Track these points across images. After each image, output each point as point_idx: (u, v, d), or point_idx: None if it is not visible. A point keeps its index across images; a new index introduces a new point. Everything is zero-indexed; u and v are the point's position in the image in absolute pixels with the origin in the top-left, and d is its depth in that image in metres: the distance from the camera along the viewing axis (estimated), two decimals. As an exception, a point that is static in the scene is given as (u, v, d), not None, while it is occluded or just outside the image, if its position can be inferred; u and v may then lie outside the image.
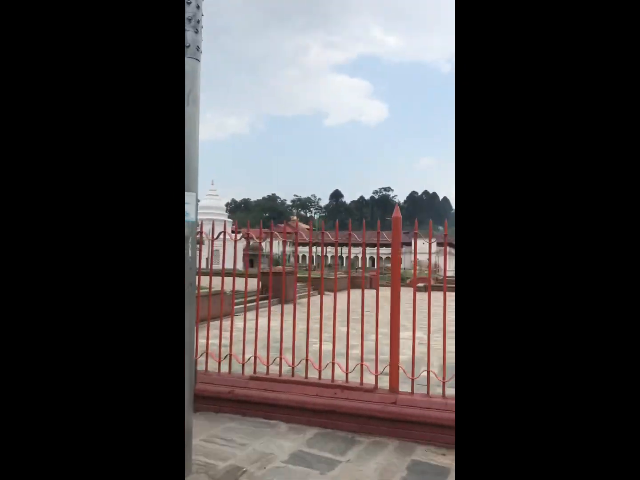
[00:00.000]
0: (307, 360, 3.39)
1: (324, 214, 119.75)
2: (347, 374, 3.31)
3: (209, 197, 37.58)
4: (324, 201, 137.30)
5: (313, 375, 3.44)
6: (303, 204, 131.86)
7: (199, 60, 2.61)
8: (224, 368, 3.72)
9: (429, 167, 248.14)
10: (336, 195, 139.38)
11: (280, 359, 3.46)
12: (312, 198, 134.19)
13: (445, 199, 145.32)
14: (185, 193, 2.52)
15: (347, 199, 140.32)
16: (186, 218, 2.52)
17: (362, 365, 3.28)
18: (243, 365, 3.60)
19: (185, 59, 2.56)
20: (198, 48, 2.61)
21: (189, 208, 2.54)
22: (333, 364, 3.34)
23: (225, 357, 3.69)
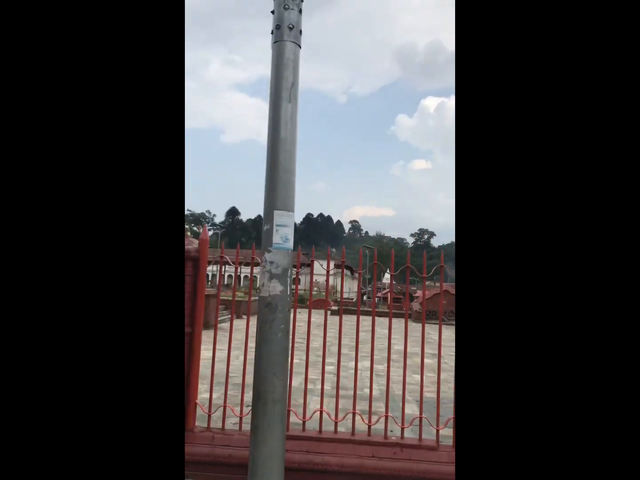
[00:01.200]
0: (354, 414, 2.88)
1: (219, 231, 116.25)
2: (402, 429, 2.87)
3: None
4: (220, 218, 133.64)
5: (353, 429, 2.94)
6: (196, 219, 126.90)
7: (300, 46, 2.08)
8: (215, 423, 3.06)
9: (324, 191, 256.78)
10: (232, 212, 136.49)
11: (321, 411, 2.90)
12: (207, 214, 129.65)
13: (338, 222, 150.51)
14: (280, 212, 1.95)
15: (244, 216, 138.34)
16: (285, 244, 1.95)
17: (420, 418, 2.87)
18: (241, 419, 2.94)
19: (286, 42, 2.03)
20: (301, 31, 2.08)
21: (287, 232, 1.96)
22: (386, 417, 2.88)
23: (216, 409, 3.04)
